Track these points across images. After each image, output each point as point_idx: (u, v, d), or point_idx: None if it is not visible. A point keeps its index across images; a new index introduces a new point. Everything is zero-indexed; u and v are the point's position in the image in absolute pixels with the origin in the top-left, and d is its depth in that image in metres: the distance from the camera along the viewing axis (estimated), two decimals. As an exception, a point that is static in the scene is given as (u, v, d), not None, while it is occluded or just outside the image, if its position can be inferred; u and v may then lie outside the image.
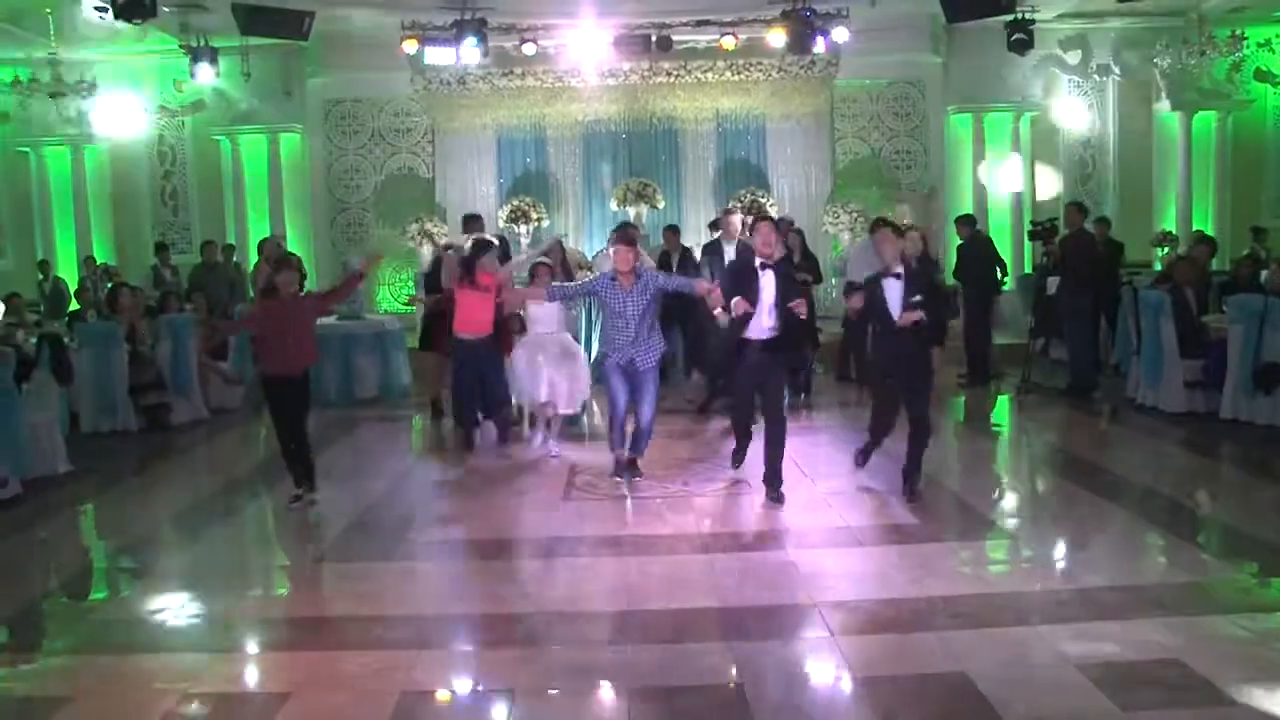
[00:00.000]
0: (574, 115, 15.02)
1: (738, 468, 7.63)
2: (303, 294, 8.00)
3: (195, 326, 10.97)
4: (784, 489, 6.97)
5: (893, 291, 6.82)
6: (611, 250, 7.71)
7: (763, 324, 6.90)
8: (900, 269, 6.87)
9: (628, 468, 7.66)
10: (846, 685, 4.38)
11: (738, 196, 14.27)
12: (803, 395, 10.53)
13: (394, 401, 11.65)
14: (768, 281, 6.89)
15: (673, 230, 11.63)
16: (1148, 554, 5.89)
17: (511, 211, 14.52)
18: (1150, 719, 3.97)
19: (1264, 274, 10.57)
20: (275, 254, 12.47)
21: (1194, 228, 14.88)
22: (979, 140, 15.27)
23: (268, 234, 14.27)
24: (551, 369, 8.52)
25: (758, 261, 6.94)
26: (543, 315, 8.69)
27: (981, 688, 4.21)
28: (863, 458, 7.52)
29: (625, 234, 7.97)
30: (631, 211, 14.50)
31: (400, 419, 10.99)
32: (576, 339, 9.54)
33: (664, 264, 10.88)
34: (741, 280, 6.98)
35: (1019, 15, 12.92)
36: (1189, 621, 4.83)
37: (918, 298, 6.75)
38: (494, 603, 5.47)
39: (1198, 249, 11.50)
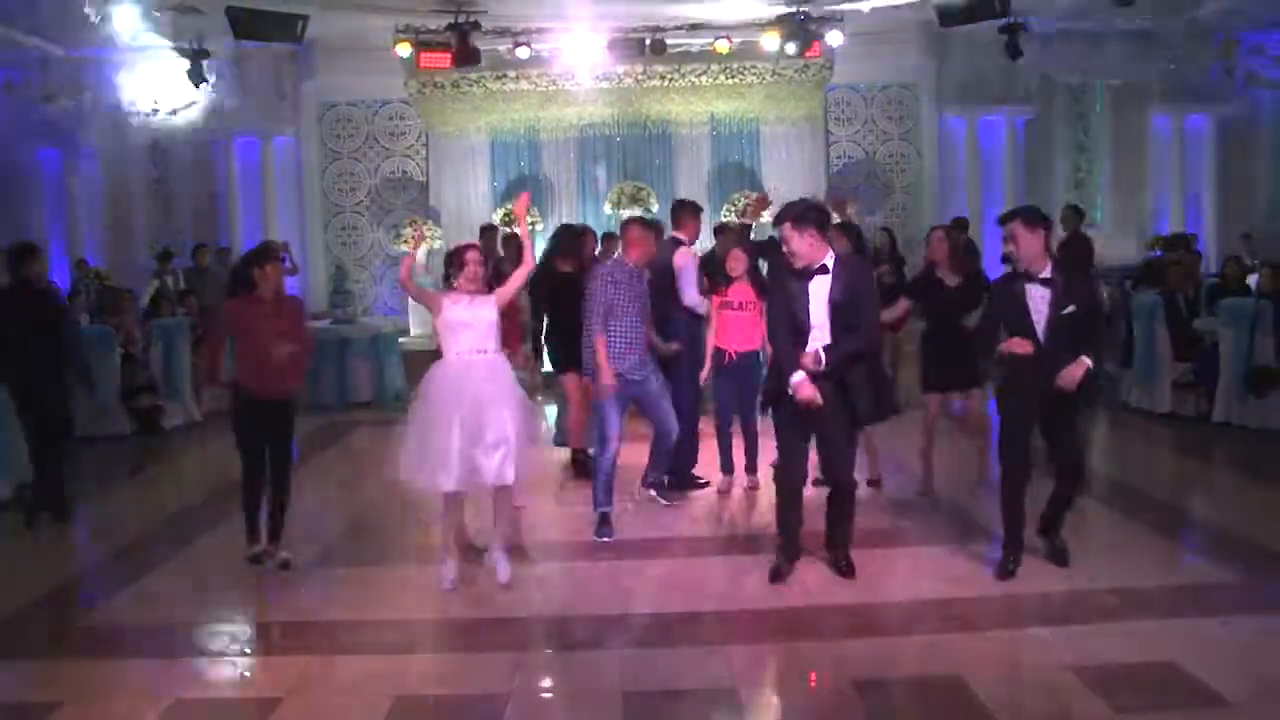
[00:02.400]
0: (568, 118, 15.00)
1: (778, 581, 5.49)
2: (287, 293, 6.36)
3: (188, 331, 10.95)
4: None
5: (1037, 300, 5.31)
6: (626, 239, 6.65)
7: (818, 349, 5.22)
8: (1048, 272, 5.30)
9: (659, 488, 6.87)
10: (841, 689, 4.38)
11: (732, 200, 14.27)
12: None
13: (388, 405, 11.63)
14: (817, 290, 5.25)
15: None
16: (1141, 556, 5.89)
17: (505, 215, 14.50)
18: (1144, 722, 3.98)
19: (1251, 278, 10.60)
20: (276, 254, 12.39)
21: (1187, 232, 14.93)
22: (973, 143, 15.30)
23: (261, 238, 14.14)
24: (480, 421, 5.44)
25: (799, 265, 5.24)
26: (469, 321, 5.59)
27: (975, 690, 4.21)
28: (1011, 563, 5.53)
29: (645, 220, 7.11)
30: (625, 215, 14.47)
31: (395, 423, 10.95)
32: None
33: None
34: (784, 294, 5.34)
35: (1012, 19, 12.95)
36: (1182, 624, 4.84)
37: (1070, 308, 5.24)
38: (488, 607, 5.45)
39: (1178, 253, 11.47)
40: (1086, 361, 5.20)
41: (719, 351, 7.12)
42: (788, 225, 5.19)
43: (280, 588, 5.85)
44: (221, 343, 6.50)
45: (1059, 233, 11.05)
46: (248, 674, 4.78)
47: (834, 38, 13.11)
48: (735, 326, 7.09)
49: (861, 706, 4.18)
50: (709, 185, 15.36)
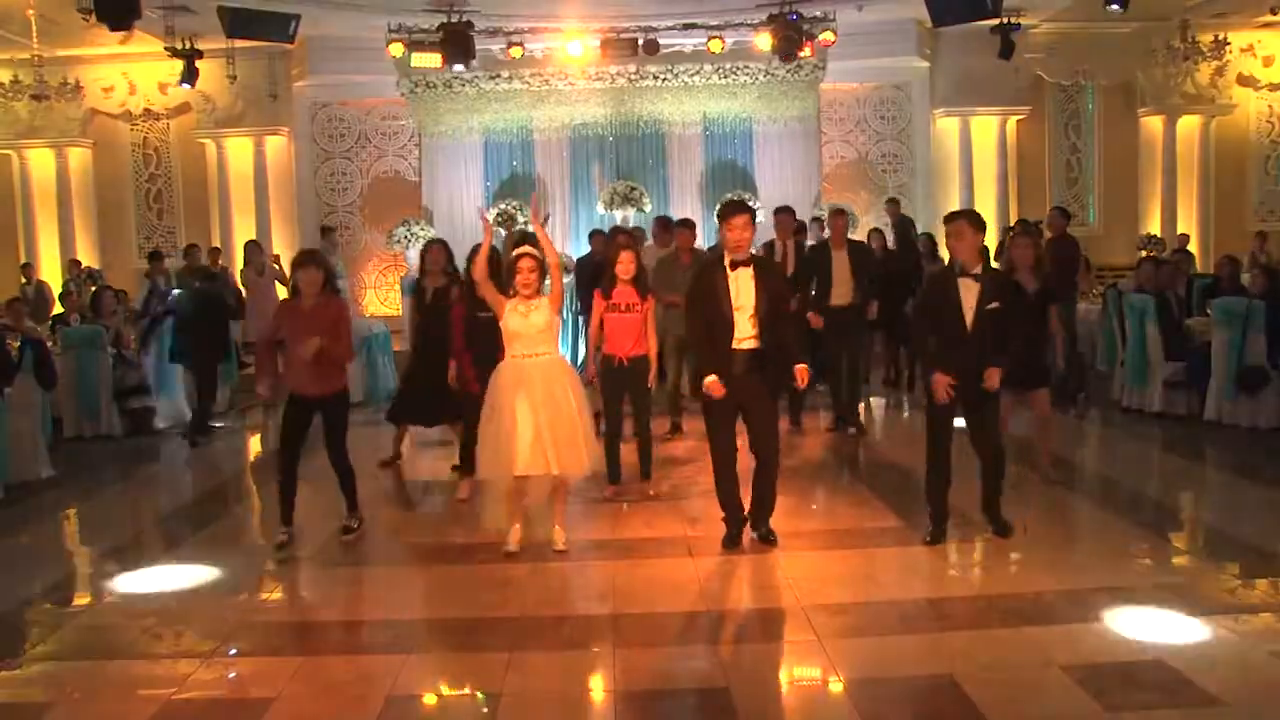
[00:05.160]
0: (561, 118, 15.02)
1: (731, 548, 6.08)
2: (332, 297, 6.48)
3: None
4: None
5: (968, 295, 5.79)
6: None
7: (743, 333, 5.86)
8: (978, 270, 5.82)
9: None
10: (833, 688, 4.38)
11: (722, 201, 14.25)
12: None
13: (380, 405, 11.59)
14: (740, 283, 5.85)
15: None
16: (1132, 555, 5.91)
17: (498, 215, 14.49)
18: (1134, 720, 3.98)
19: (1244, 277, 10.64)
20: (257, 257, 12.45)
21: (1178, 231, 14.99)
22: (965, 144, 15.33)
23: (254, 238, 14.17)
24: (544, 416, 5.87)
25: (727, 260, 5.90)
26: (518, 329, 5.95)
27: (967, 690, 4.22)
28: (937, 531, 6.06)
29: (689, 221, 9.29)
30: (618, 215, 14.50)
31: (385, 423, 10.91)
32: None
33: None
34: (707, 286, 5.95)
35: (1004, 20, 12.97)
36: (1173, 623, 4.85)
37: (994, 304, 5.75)
38: (480, 606, 5.45)
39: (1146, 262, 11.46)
40: (998, 372, 5.75)
41: (608, 357, 7.11)
42: (747, 217, 5.88)
43: (272, 588, 5.84)
44: (267, 344, 6.64)
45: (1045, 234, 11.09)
46: (240, 674, 4.77)
47: (826, 38, 13.13)
48: (622, 330, 7.03)
49: (853, 706, 4.18)
50: (702, 185, 15.38)
